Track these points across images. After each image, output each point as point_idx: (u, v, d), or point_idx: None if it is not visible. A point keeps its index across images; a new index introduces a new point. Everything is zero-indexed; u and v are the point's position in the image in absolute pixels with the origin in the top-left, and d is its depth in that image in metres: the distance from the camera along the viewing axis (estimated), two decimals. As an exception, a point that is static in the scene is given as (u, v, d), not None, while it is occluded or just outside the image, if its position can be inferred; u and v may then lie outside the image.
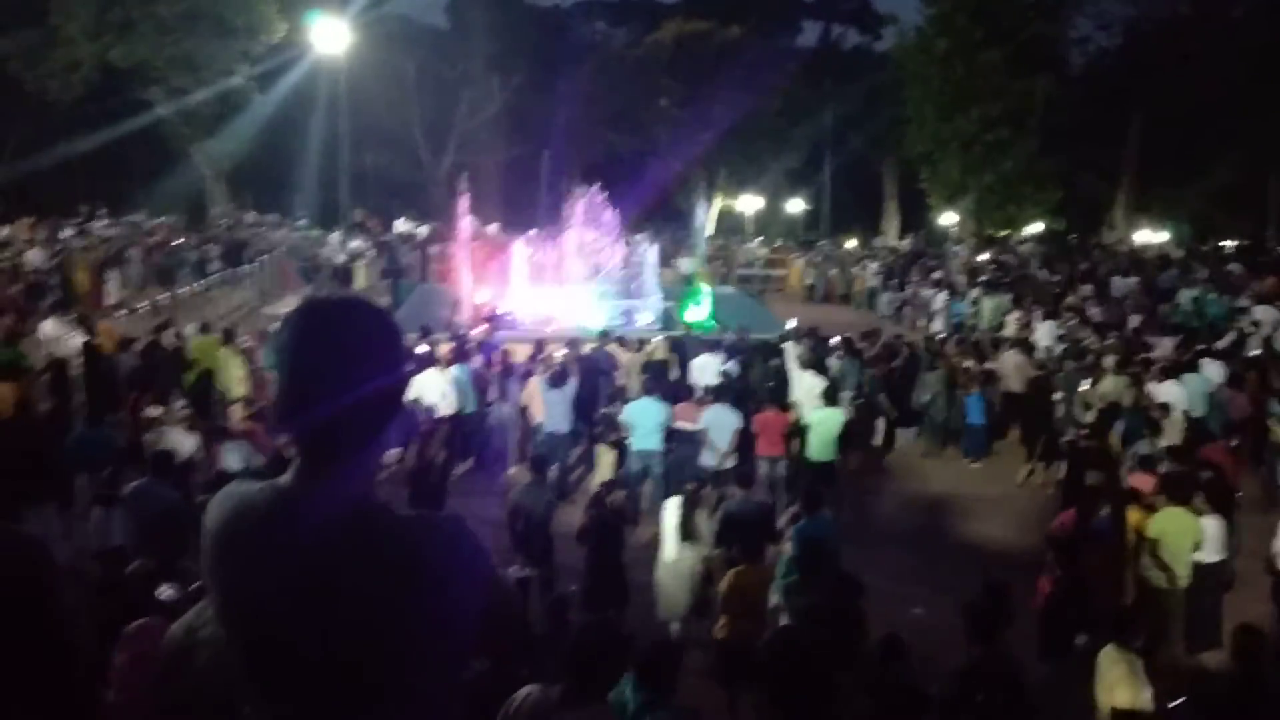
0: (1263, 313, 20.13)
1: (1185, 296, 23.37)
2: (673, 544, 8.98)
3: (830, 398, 13.08)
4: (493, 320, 18.33)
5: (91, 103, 35.71)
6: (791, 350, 14.97)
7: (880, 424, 14.61)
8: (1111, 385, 14.44)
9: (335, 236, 33.09)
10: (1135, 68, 44.50)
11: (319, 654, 1.73)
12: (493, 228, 34.90)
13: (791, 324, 17.93)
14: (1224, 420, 13.55)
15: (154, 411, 11.32)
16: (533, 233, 24.06)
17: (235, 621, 1.84)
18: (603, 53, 51.42)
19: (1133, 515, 9.15)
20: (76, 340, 15.10)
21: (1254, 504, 12.23)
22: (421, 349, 14.39)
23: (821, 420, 12.43)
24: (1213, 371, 14.75)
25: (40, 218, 30.58)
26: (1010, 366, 15.91)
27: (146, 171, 39.93)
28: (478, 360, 14.40)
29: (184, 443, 10.48)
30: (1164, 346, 17.22)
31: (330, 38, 32.25)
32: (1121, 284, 26.08)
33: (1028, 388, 15.22)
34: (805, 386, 13.67)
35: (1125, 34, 48.59)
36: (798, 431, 13.26)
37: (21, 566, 1.85)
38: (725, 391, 13.08)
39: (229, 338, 15.26)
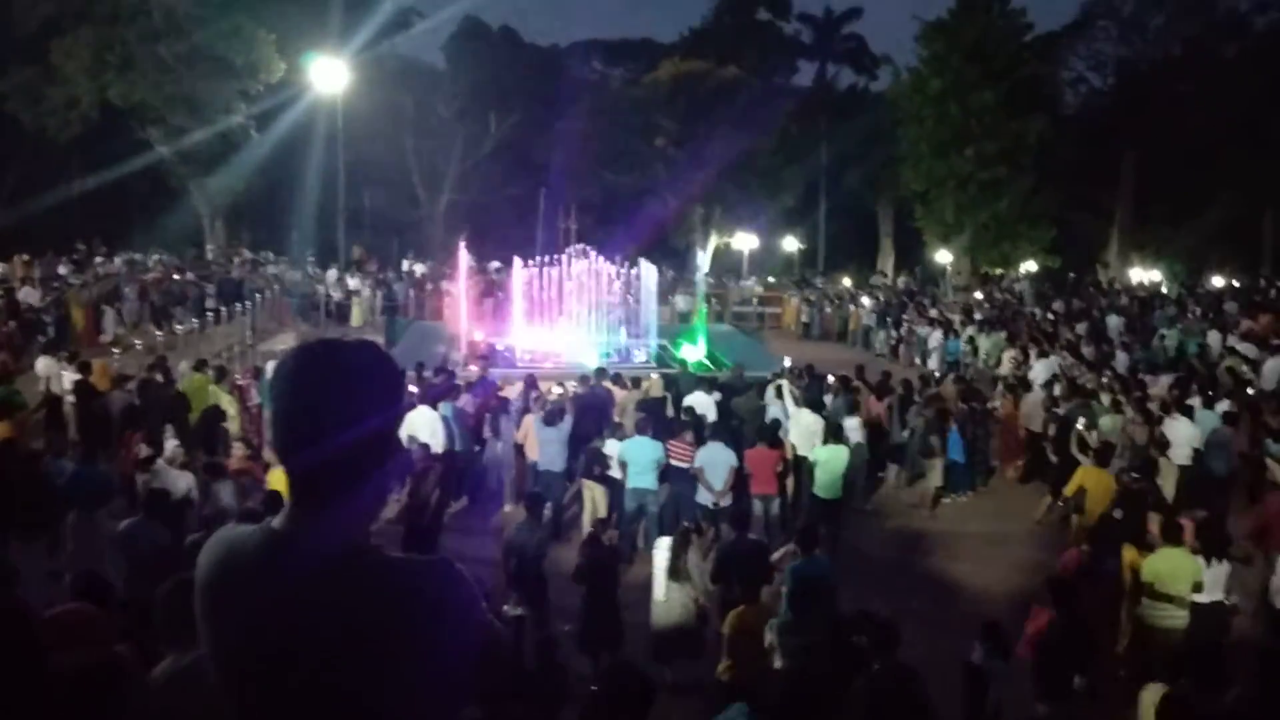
0: (1245, 349, 20.23)
1: (1160, 335, 23.50)
2: (662, 584, 8.92)
3: (836, 435, 13.07)
4: (488, 358, 18.33)
5: (90, 141, 35.88)
6: (787, 388, 14.99)
7: (937, 464, 14.56)
8: (1109, 423, 14.45)
9: (332, 274, 33.19)
10: (1128, 108, 44.92)
11: (311, 697, 1.72)
12: (493, 265, 35.12)
13: (786, 362, 18.02)
14: (1228, 459, 13.50)
15: (144, 451, 11.26)
16: (530, 271, 24.10)
17: (227, 665, 1.82)
18: (600, 92, 51.78)
19: (1128, 554, 9.10)
20: (71, 377, 15.08)
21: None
22: (413, 387, 14.37)
23: (829, 458, 12.40)
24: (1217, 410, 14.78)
25: (37, 255, 30.65)
26: (1034, 406, 15.92)
27: (144, 209, 40.11)
28: (464, 398, 14.32)
29: (178, 482, 10.41)
30: (1159, 385, 17.22)
31: (329, 77, 32.50)
32: (1117, 322, 26.17)
33: (1046, 427, 15.28)
34: (803, 424, 13.67)
35: (1118, 74, 49.12)
36: (790, 469, 13.25)
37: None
38: (719, 430, 13.06)
39: (221, 376, 15.24)
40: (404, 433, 11.81)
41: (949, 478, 14.87)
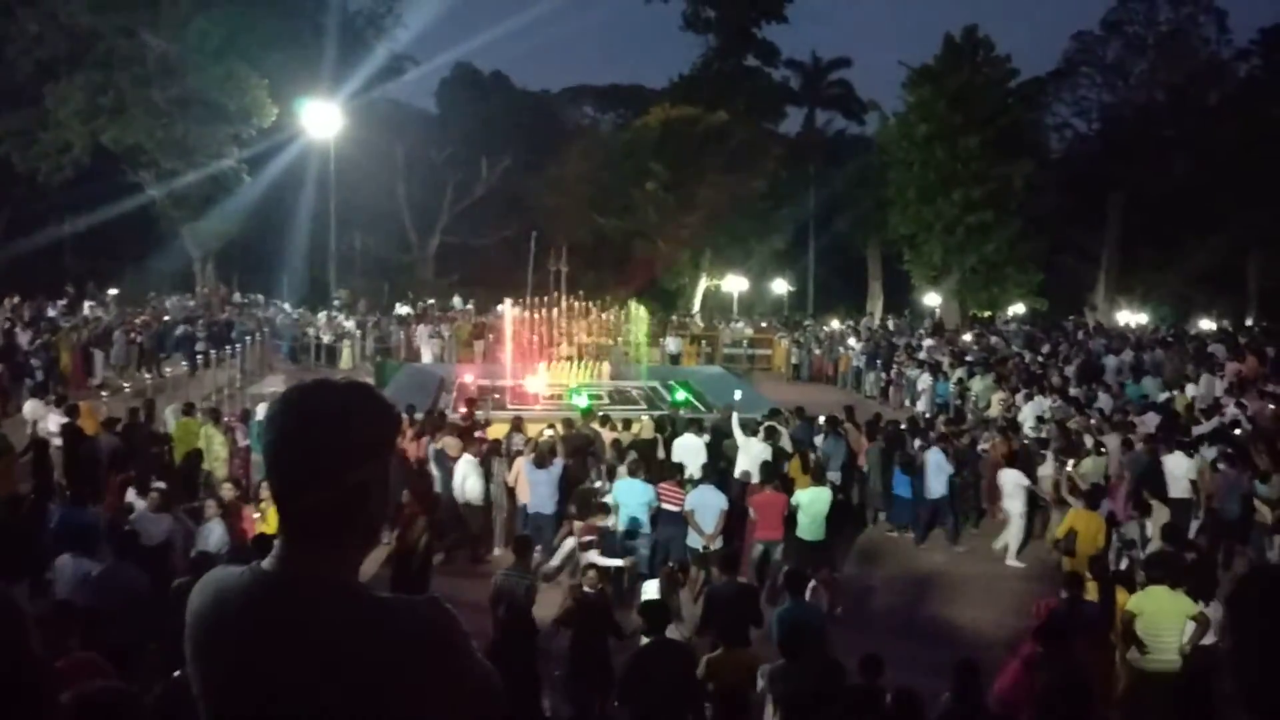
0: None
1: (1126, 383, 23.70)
2: None
3: (818, 476, 13.10)
4: (478, 400, 18.33)
5: (81, 184, 35.96)
6: (736, 420, 15.15)
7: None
8: (1091, 465, 14.51)
9: (322, 316, 33.20)
10: (1113, 153, 45.45)
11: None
12: (502, 307, 35.23)
13: (737, 395, 18.29)
14: (1239, 502, 13.52)
15: (130, 495, 11.19)
16: (522, 313, 24.21)
17: (215, 707, 1.81)
18: (590, 137, 52.20)
19: (1121, 597, 9.04)
20: (58, 420, 15.02)
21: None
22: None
23: (811, 500, 12.38)
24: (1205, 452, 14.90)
25: (27, 298, 30.61)
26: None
27: (135, 252, 40.12)
28: (446, 440, 14.27)
29: (157, 526, 10.30)
30: (1145, 424, 17.29)
31: (321, 122, 32.69)
32: (1115, 362, 26.29)
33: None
34: (752, 454, 14.00)
35: (1102, 120, 49.75)
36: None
37: None
38: (709, 472, 13.06)
39: (213, 417, 15.19)
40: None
41: (895, 512, 15.31)
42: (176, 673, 5.42)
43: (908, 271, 44.47)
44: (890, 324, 40.68)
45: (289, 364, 29.14)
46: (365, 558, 1.92)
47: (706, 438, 15.07)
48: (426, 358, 29.30)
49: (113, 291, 35.78)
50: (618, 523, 12.14)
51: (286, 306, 36.71)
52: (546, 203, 45.02)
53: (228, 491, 11.59)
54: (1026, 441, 17.27)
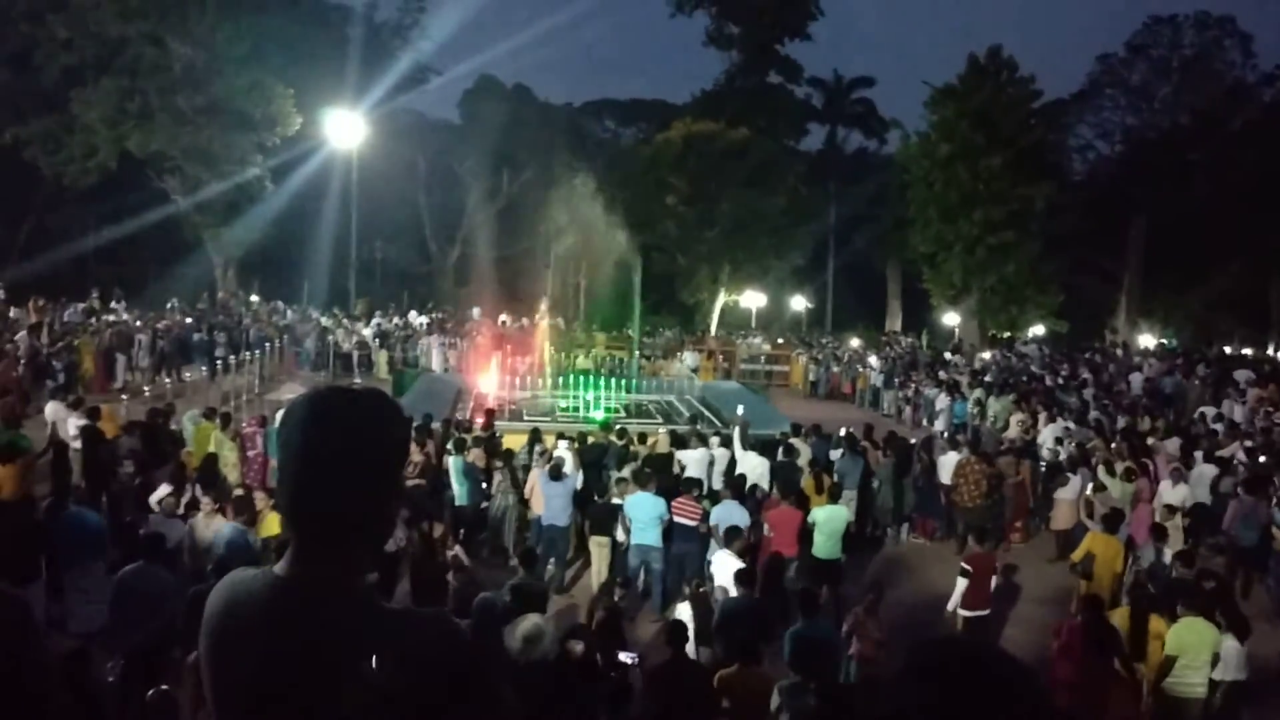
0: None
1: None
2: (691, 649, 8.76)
3: (834, 495, 13.04)
4: (494, 411, 18.34)
5: (106, 192, 36.26)
6: (737, 434, 15.26)
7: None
8: (1119, 490, 14.39)
9: (343, 324, 33.31)
10: (1136, 175, 45.26)
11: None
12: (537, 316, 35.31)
13: (740, 410, 18.39)
14: (1257, 528, 13.41)
15: (160, 494, 11.22)
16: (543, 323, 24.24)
17: (227, 709, 1.82)
18: (612, 150, 52.33)
19: (1155, 623, 8.97)
20: (76, 423, 15.09)
21: (1262, 613, 12.10)
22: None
23: (827, 518, 12.30)
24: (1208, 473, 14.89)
25: (50, 300, 30.83)
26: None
27: (158, 258, 40.38)
28: (475, 452, 14.29)
29: (172, 529, 10.32)
30: (1168, 449, 17.15)
31: (344, 131, 32.89)
32: (1138, 379, 26.21)
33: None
34: (750, 466, 14.16)
35: (1126, 142, 49.57)
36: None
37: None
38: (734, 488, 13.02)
39: (225, 423, 15.26)
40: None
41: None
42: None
43: (927, 290, 44.36)
44: (907, 341, 40.59)
45: (308, 371, 29.25)
46: (374, 564, 1.91)
47: (712, 451, 14.99)
48: (436, 366, 29.44)
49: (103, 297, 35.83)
50: (629, 538, 12.11)
51: (314, 312, 36.68)
52: (566, 215, 45.14)
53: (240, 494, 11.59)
54: (1045, 464, 17.23)
